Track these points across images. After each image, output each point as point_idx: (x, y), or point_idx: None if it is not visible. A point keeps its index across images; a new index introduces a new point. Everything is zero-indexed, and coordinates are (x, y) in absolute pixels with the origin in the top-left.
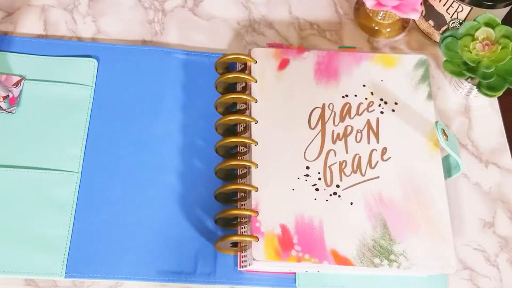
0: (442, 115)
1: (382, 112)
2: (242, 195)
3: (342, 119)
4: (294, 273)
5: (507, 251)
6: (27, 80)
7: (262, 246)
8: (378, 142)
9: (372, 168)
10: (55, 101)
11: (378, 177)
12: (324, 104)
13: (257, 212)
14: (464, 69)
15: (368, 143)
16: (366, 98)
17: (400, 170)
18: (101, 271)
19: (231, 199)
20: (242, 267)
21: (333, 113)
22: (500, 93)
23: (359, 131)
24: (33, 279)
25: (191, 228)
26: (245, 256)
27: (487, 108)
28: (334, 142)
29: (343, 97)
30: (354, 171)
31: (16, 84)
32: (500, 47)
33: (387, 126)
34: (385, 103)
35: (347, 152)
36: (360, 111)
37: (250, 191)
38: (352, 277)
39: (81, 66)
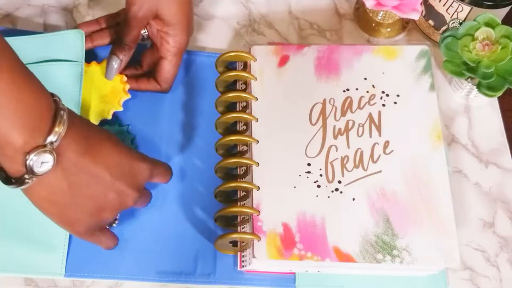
0: (442, 115)
1: (384, 105)
2: (242, 194)
3: (343, 113)
4: (294, 273)
5: (507, 251)
6: None
7: (264, 245)
8: (380, 135)
9: (374, 162)
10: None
11: (380, 171)
12: (325, 99)
13: (259, 211)
14: (464, 69)
15: (370, 137)
16: (367, 91)
17: (403, 164)
18: (101, 271)
19: (231, 198)
20: (243, 267)
21: (334, 108)
22: (500, 93)
23: (360, 125)
24: (33, 278)
25: (191, 228)
26: (245, 256)
27: (487, 108)
28: (335, 137)
29: (344, 91)
30: (356, 166)
31: None
32: (500, 47)
33: (389, 119)
34: (387, 95)
35: (348, 147)
36: (362, 104)
37: (250, 190)
38: (351, 277)
39: (67, 39)
